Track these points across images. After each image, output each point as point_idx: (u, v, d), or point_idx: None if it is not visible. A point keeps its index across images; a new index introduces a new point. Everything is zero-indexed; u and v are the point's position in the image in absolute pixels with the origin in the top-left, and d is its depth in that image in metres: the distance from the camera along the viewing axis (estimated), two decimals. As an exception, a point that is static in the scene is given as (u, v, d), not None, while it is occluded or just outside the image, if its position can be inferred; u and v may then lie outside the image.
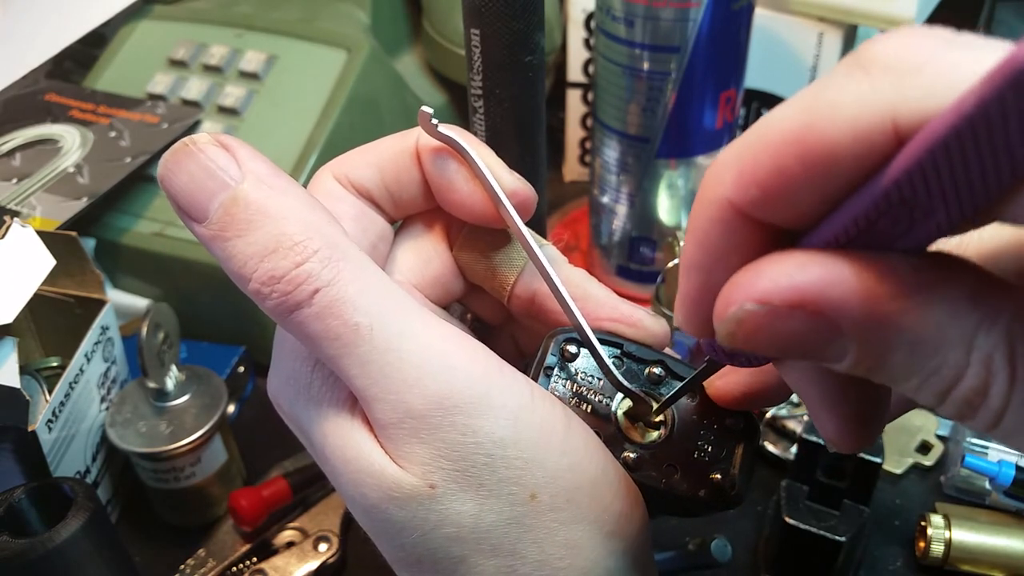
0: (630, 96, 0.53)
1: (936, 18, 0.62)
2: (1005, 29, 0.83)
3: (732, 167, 0.20)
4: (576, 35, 0.68)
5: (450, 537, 0.26)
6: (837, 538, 0.41)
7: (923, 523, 0.46)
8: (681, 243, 0.51)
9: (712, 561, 0.42)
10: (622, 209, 0.58)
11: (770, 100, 0.66)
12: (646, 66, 0.52)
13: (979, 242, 0.23)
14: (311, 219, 0.26)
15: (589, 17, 0.67)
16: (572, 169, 0.75)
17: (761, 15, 0.62)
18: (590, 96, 0.66)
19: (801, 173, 0.18)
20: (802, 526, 0.42)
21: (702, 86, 0.52)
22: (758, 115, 0.67)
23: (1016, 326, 0.18)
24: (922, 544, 0.46)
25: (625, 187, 0.57)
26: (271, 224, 0.25)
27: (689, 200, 0.57)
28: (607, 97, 0.55)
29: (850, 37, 0.65)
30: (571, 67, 0.69)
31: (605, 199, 0.59)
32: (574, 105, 0.71)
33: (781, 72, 0.65)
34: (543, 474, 0.26)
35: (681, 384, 0.29)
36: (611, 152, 0.56)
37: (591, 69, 0.68)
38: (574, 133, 0.73)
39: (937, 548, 0.45)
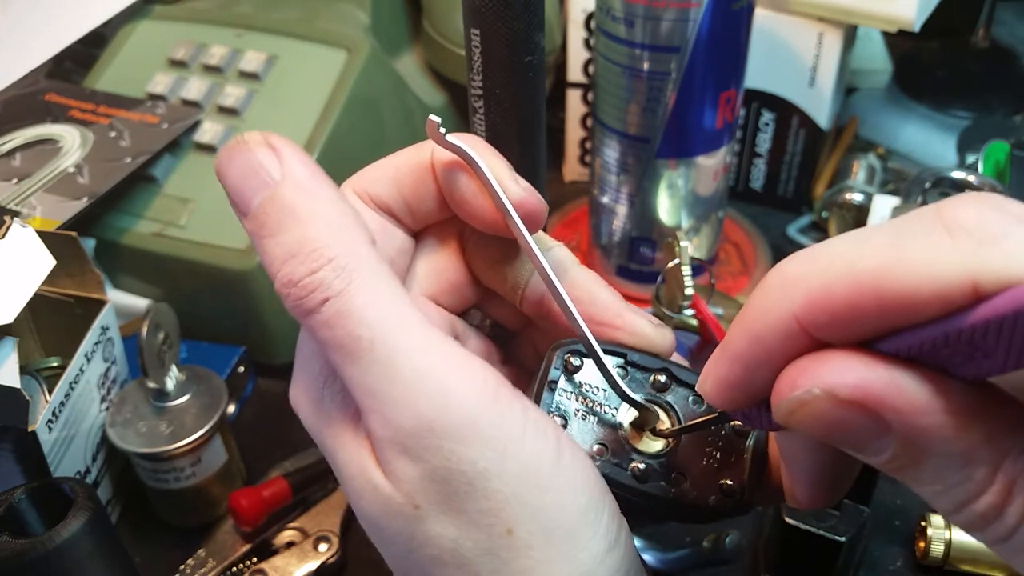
0: (630, 96, 0.53)
1: (936, 18, 0.61)
2: (1005, 29, 0.83)
3: (802, 288, 0.21)
4: (576, 35, 0.68)
5: (433, 558, 0.26)
6: (837, 538, 0.41)
7: (923, 523, 0.46)
8: (681, 243, 0.51)
9: (728, 557, 0.42)
10: (622, 209, 0.58)
11: (770, 100, 0.66)
12: (646, 66, 0.52)
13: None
14: (337, 225, 0.26)
15: (589, 17, 0.67)
16: (572, 169, 0.75)
17: (761, 15, 0.62)
18: (590, 96, 0.66)
19: (874, 312, 0.20)
20: (802, 526, 0.42)
21: (702, 86, 0.52)
22: (758, 115, 0.67)
23: None
24: (922, 544, 0.46)
25: (625, 187, 0.57)
26: (297, 227, 0.26)
27: (689, 200, 0.57)
28: (607, 97, 0.55)
29: (850, 37, 0.65)
30: (571, 67, 0.69)
31: (605, 199, 0.59)
32: (574, 105, 0.71)
33: (781, 72, 0.65)
34: (523, 511, 0.25)
35: (692, 424, 0.29)
36: (611, 152, 0.56)
37: (591, 69, 0.68)
38: (574, 133, 0.73)
39: (937, 548, 0.45)
